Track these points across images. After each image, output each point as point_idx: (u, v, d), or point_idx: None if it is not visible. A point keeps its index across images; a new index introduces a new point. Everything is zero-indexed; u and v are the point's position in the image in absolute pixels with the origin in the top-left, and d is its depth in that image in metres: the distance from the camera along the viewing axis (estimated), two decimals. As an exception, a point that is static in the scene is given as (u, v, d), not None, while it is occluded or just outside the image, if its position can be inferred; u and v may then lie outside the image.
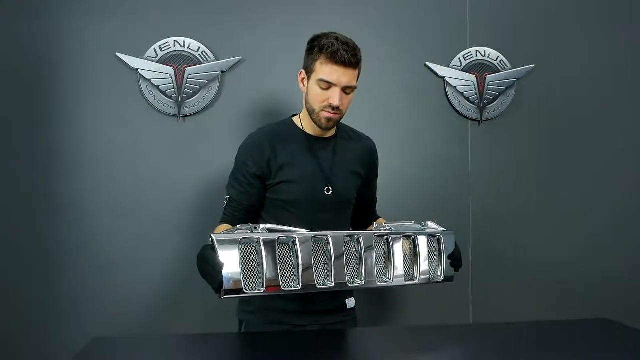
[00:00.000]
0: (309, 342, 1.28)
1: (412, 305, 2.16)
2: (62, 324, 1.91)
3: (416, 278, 1.28)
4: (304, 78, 1.40)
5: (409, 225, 1.33)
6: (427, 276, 1.30)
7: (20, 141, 1.92)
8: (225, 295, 1.08)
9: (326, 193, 1.42)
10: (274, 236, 1.12)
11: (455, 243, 1.36)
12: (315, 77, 1.34)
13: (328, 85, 1.33)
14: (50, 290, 1.93)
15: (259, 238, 1.10)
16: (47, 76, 1.93)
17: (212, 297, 1.94)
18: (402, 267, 1.26)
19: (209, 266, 1.07)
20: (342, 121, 1.49)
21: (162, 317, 1.96)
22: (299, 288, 1.13)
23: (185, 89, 2.00)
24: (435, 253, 1.32)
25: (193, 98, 2.01)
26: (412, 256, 1.29)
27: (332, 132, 1.47)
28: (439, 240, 1.32)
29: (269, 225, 1.18)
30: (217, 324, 1.97)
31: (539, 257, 2.21)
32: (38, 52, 1.92)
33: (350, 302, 1.52)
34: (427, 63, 2.15)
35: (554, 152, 2.23)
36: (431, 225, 1.35)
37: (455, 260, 1.35)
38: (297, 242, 1.13)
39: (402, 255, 1.25)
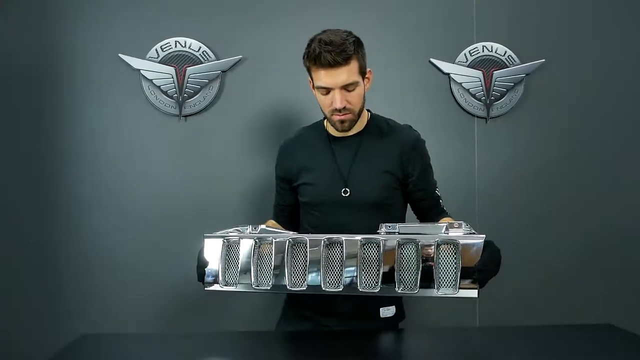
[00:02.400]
0: (309, 341, 1.27)
1: (417, 306, 2.12)
2: (64, 321, 1.96)
3: (415, 289, 1.12)
4: (313, 86, 1.36)
5: (427, 228, 1.15)
6: (432, 289, 1.11)
7: (25, 140, 1.98)
8: (206, 287, 1.21)
9: (343, 195, 1.36)
10: (251, 237, 1.16)
11: (487, 251, 1.12)
12: (315, 84, 1.32)
13: (326, 90, 1.29)
14: (53, 287, 1.99)
15: (239, 238, 1.15)
16: (51, 77, 1.98)
17: (214, 297, 1.99)
18: (395, 274, 1.12)
19: (197, 261, 1.21)
20: (379, 113, 1.48)
21: (163, 316, 1.99)
22: (269, 288, 1.14)
23: (186, 88, 2.01)
24: (450, 262, 1.11)
25: (194, 97, 2.02)
26: (421, 264, 1.12)
27: (358, 129, 1.41)
28: (455, 248, 1.11)
29: (268, 227, 1.22)
30: (217, 323, 2.00)
31: (548, 257, 2.13)
32: (43, 54, 1.98)
33: (387, 311, 1.41)
34: (432, 59, 2.10)
35: (564, 151, 2.13)
36: (457, 229, 1.13)
37: (477, 272, 1.10)
38: (273, 244, 1.14)
39: (393, 261, 1.12)
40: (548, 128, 2.13)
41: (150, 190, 2.01)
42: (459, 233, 1.13)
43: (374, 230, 1.18)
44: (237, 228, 1.22)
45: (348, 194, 1.37)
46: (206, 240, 1.20)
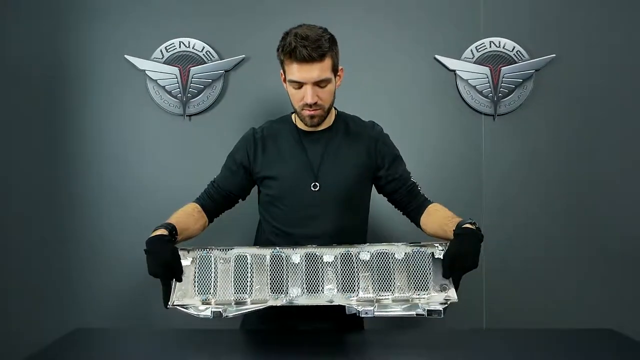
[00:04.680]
0: (294, 341, 1.28)
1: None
2: (68, 316, 2.01)
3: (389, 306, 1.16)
4: (284, 79, 1.38)
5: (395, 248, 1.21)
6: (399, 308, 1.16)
7: (32, 139, 2.05)
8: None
9: (313, 189, 1.38)
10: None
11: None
12: (287, 77, 1.33)
13: (298, 84, 1.31)
14: (56, 283, 2.05)
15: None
16: (59, 79, 2.05)
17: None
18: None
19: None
20: (346, 110, 1.50)
21: (164, 313, 2.01)
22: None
23: (190, 88, 2.04)
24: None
25: (197, 97, 2.05)
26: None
27: (326, 124, 1.43)
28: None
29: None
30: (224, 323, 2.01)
31: (556, 259, 2.06)
32: (52, 56, 2.04)
33: (352, 308, 1.44)
34: (437, 56, 2.06)
35: (574, 149, 2.06)
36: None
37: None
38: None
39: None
40: (558, 125, 2.06)
41: (155, 189, 2.05)
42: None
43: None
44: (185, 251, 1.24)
45: (318, 188, 1.38)
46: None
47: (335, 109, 1.47)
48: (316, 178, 1.38)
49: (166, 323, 2.00)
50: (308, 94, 1.29)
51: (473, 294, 2.06)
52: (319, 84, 1.30)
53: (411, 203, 1.44)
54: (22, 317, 2.04)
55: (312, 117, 1.34)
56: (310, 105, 1.31)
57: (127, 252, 2.01)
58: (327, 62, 1.29)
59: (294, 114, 1.47)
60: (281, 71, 1.37)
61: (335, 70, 1.34)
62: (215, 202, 1.46)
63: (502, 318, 2.04)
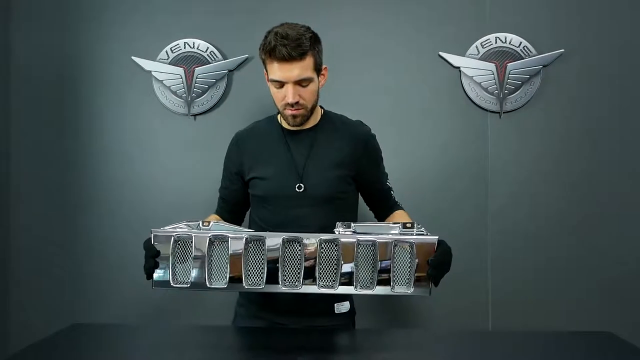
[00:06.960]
0: (281, 339, 1.28)
1: (424, 309, 2.06)
2: (68, 314, 2.05)
3: (372, 287, 1.11)
4: (267, 78, 1.37)
5: (382, 228, 1.16)
6: (388, 287, 1.11)
7: (44, 139, 2.11)
8: (154, 285, 1.15)
9: (297, 190, 1.37)
10: (205, 234, 1.12)
11: (439, 251, 1.11)
12: (269, 77, 1.33)
13: (279, 83, 1.30)
14: (60, 280, 2.12)
15: (192, 235, 1.12)
16: (67, 80, 2.11)
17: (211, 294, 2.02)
18: (354, 273, 1.11)
19: (145, 257, 1.14)
20: (349, 108, 1.50)
21: (164, 312, 2.05)
22: (225, 287, 1.12)
23: (194, 88, 2.07)
24: (405, 262, 1.11)
25: (202, 97, 2.08)
26: (378, 263, 1.12)
27: (312, 123, 1.42)
28: (410, 247, 1.11)
29: (221, 223, 1.21)
30: (216, 320, 2.03)
31: (563, 259, 2.00)
32: (59, 58, 2.11)
33: (341, 307, 1.44)
34: (441, 53, 2.03)
35: (582, 147, 2.00)
36: (410, 230, 1.12)
37: (431, 269, 1.10)
38: (229, 241, 1.12)
39: (351, 260, 1.11)
40: (566, 123, 2.00)
41: (161, 187, 2.09)
42: (412, 234, 1.13)
43: (327, 224, 1.19)
44: (186, 223, 1.19)
45: (302, 189, 1.37)
46: (154, 238, 1.13)
47: (321, 107, 1.46)
48: (300, 179, 1.37)
49: (163, 321, 2.05)
50: (289, 94, 1.29)
51: (478, 296, 2.03)
52: (300, 83, 1.29)
53: (382, 205, 1.47)
54: (22, 316, 2.11)
55: (294, 116, 1.34)
56: (292, 105, 1.30)
57: (130, 251, 2.04)
58: (308, 61, 1.28)
59: (279, 114, 1.46)
60: (264, 70, 1.36)
61: (318, 69, 1.33)
62: (230, 212, 1.50)
63: (507, 320, 2.00)
